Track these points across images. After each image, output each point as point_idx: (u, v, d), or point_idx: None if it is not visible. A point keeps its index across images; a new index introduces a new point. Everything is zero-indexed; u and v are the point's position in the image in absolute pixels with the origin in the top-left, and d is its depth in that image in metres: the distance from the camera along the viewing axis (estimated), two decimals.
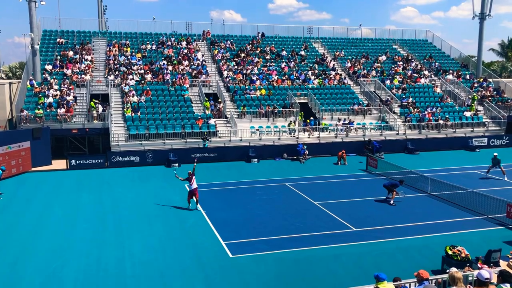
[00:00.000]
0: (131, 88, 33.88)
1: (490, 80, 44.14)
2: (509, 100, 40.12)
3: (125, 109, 31.79)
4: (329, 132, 33.71)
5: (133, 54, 39.06)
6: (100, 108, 31.40)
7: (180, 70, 37.62)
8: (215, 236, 15.85)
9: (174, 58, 39.45)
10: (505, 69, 67.02)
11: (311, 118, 34.68)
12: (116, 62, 37.33)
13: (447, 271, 8.53)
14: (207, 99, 34.48)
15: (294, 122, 33.50)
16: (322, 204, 19.74)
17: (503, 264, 8.86)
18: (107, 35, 42.77)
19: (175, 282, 12.35)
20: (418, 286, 8.23)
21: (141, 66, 37.44)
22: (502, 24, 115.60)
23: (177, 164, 28.06)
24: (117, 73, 35.77)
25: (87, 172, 26.69)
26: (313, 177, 25.10)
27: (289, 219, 17.72)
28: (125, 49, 39.54)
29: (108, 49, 39.62)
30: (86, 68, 35.98)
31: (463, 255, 12.44)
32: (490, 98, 39.78)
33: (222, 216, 18.16)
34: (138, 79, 35.49)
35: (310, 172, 26.29)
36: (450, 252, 12.60)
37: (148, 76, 36.18)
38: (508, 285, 7.16)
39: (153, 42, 41.68)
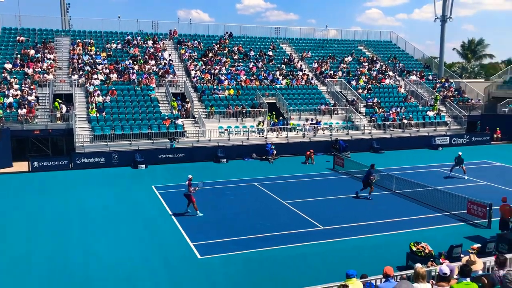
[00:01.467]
0: (96, 88, 33.18)
1: (452, 80, 45.58)
2: (469, 100, 41.53)
3: (89, 109, 31.11)
4: (297, 132, 33.99)
5: (98, 53, 38.28)
6: (64, 109, 30.60)
7: (146, 70, 37.12)
8: (183, 238, 15.70)
9: (140, 57, 38.89)
10: (466, 70, 69.32)
11: (280, 118, 34.90)
12: (80, 61, 36.48)
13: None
14: (174, 99, 34.15)
15: (263, 122, 33.61)
16: (290, 203, 19.88)
17: (464, 259, 9.14)
18: (71, 33, 41.74)
19: (142, 285, 12.16)
20: (384, 282, 8.39)
21: (106, 66, 36.73)
22: (462, 26, 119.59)
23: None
24: (81, 72, 34.95)
25: (51, 174, 25.96)
26: (282, 177, 25.25)
27: (258, 219, 17.75)
28: (89, 48, 38.69)
29: (71, 48, 38.65)
30: (49, 67, 34.99)
31: (426, 251, 12.77)
32: (451, 98, 41.07)
33: (190, 217, 18.02)
34: (103, 79, 34.80)
35: (278, 172, 26.44)
36: (414, 249, 12.92)
37: (114, 76, 35.53)
38: (468, 279, 7.40)
39: (118, 41, 40.97)
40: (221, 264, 13.50)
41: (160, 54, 40.08)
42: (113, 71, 36.11)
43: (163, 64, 38.47)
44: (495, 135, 37.67)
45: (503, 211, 15.30)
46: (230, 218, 17.89)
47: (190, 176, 18.16)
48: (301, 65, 43.26)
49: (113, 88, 33.57)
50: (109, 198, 20.86)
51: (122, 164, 27.89)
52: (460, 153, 24.75)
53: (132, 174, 26.24)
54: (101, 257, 14.00)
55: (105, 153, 28.14)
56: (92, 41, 39.98)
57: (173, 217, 17.99)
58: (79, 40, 39.62)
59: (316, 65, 43.22)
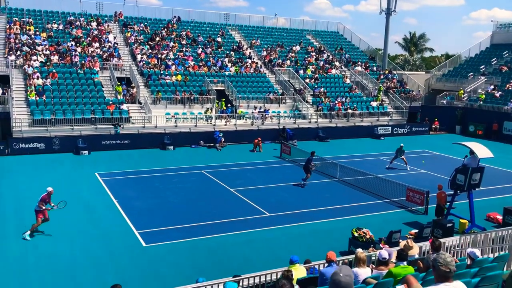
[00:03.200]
0: (35, 70, 31.49)
1: (395, 72, 47.25)
2: (410, 92, 43.28)
3: (28, 93, 29.53)
4: (246, 119, 34.04)
5: (37, 33, 36.28)
6: (0, 91, 28.87)
7: (89, 52, 35.67)
8: (127, 226, 15.38)
9: (83, 39, 37.29)
10: (408, 62, 72.14)
11: (228, 105, 34.79)
12: (17, 42, 34.44)
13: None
14: (119, 83, 33.11)
15: (211, 109, 33.37)
16: (237, 190, 19.96)
17: (401, 244, 9.58)
18: (7, 11, 39.20)
19: (84, 274, 11.83)
20: (327, 267, 8.63)
21: (47, 47, 34.93)
22: (405, 20, 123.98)
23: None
24: (18, 53, 33.03)
25: None
26: (230, 164, 25.27)
27: (205, 207, 17.70)
28: (27, 27, 36.59)
29: (8, 26, 36.35)
30: None
31: (367, 236, 13.28)
32: (394, 89, 42.61)
33: (135, 205, 17.66)
34: (43, 61, 33.09)
35: (226, 160, 26.42)
36: (356, 234, 13.39)
37: (55, 58, 33.86)
38: (405, 262, 7.77)
39: (60, 22, 39.03)
40: (166, 252, 13.37)
41: (104, 36, 38.61)
42: (54, 52, 34.40)
43: (107, 47, 37.11)
44: (433, 126, 39.54)
45: (439, 198, 16.15)
46: (177, 206, 17.72)
47: (50, 189, 14.74)
48: (250, 53, 43.21)
49: (54, 71, 32.01)
50: (49, 186, 19.93)
51: (63, 150, 26.79)
52: (402, 145, 25.43)
53: (74, 161, 25.30)
54: (40, 247, 13.45)
55: (45, 139, 26.90)
56: (31, 20, 37.82)
57: (117, 205, 17.55)
58: (16, 19, 37.33)
59: (265, 53, 43.34)
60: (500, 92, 38.99)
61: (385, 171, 23.80)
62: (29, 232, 14.14)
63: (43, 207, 14.41)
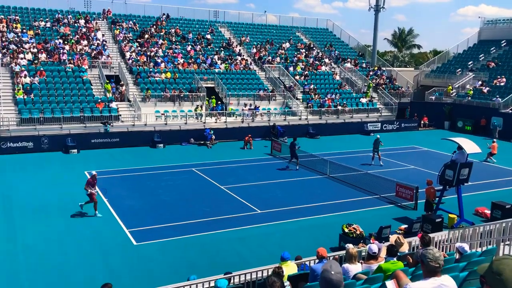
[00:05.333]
0: (23, 68, 31.17)
1: (384, 68, 47.52)
2: (400, 88, 43.56)
3: (16, 91, 29.23)
4: (236, 117, 34.03)
5: (24, 31, 35.88)
6: None
7: (78, 50, 35.38)
8: (118, 224, 15.32)
9: (71, 37, 36.95)
10: (397, 58, 72.54)
11: (218, 103, 34.73)
12: (4, 39, 34.04)
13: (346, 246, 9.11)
14: (108, 81, 32.90)
15: (201, 107, 33.28)
16: (228, 188, 19.96)
17: (392, 239, 9.66)
18: None
19: (75, 273, 11.77)
20: (318, 263, 8.67)
21: (34, 45, 34.57)
22: (394, 16, 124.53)
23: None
24: (5, 51, 32.66)
25: None
26: (220, 162, 25.24)
27: (196, 204, 17.68)
28: (14, 25, 36.17)
29: None
30: None
31: (358, 232, 13.37)
32: (383, 85, 42.86)
33: (126, 203, 17.59)
34: (31, 59, 32.75)
35: (217, 157, 26.39)
36: (346, 230, 13.47)
37: (42, 56, 33.54)
38: (395, 258, 7.84)
39: (47, 19, 38.64)
40: (157, 250, 13.34)
41: (93, 34, 38.31)
42: (42, 50, 34.07)
43: (96, 44, 36.83)
44: (422, 122, 39.85)
45: (428, 193, 16.30)
46: (167, 204, 17.68)
47: (94, 173, 16.65)
48: (239, 50, 43.15)
49: (42, 69, 31.69)
50: (39, 185, 19.85)
51: (52, 149, 26.58)
52: (378, 136, 24.88)
53: (63, 159, 25.10)
54: (30, 247, 13.35)
55: (34, 138, 26.65)
56: (17, 17, 37.39)
57: (107, 203, 17.46)
58: (2, 16, 36.87)
59: (254, 50, 43.30)
60: (488, 88, 39.39)
61: (375, 167, 23.95)
62: (96, 212, 15.89)
63: (89, 191, 15.81)
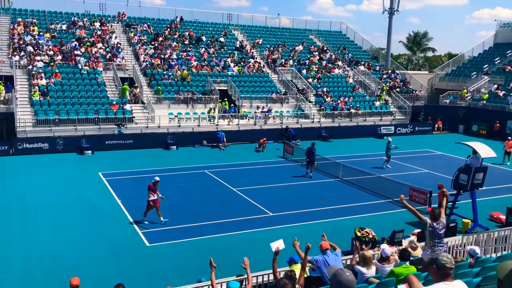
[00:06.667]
0: (40, 70, 31.64)
1: (398, 71, 47.20)
2: (414, 91, 43.22)
3: (32, 93, 29.68)
4: (248, 119, 34.09)
5: (41, 34, 36.43)
6: (4, 91, 29.01)
7: (93, 53, 35.79)
8: (131, 225, 15.45)
9: (86, 39, 37.41)
10: (411, 61, 71.99)
11: (231, 105, 34.85)
12: (21, 42, 34.59)
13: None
14: (126, 83, 33.22)
15: (214, 109, 33.42)
16: (240, 190, 20.00)
17: (404, 243, 9.61)
18: (11, 11, 39.38)
19: (88, 274, 11.88)
20: (322, 255, 8.69)
21: (50, 47, 35.07)
22: (408, 19, 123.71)
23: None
24: (22, 53, 33.18)
25: None
26: (232, 164, 25.31)
27: (208, 206, 17.75)
28: (31, 28, 36.75)
29: (11, 27, 36.53)
30: None
31: (370, 236, 13.27)
32: (397, 89, 42.56)
33: (138, 204, 17.67)
34: (47, 61, 33.22)
35: (229, 159, 26.47)
36: (359, 234, 13.38)
37: (58, 58, 34.00)
38: (407, 262, 7.80)
39: (63, 22, 39.18)
40: (170, 251, 13.43)
41: (107, 37, 38.74)
42: (58, 53, 34.55)
43: (111, 47, 37.23)
44: (436, 125, 39.47)
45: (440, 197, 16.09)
46: (180, 206, 17.78)
47: (157, 179, 15.92)
48: (252, 53, 43.25)
49: (57, 71, 32.12)
50: (54, 185, 20.11)
51: (67, 150, 26.92)
52: (390, 139, 24.94)
53: (77, 161, 25.41)
54: (44, 246, 13.53)
55: (49, 139, 27.03)
56: (34, 20, 37.98)
57: (120, 204, 17.64)
58: (20, 19, 37.50)
59: (267, 52, 43.35)
60: (503, 92, 38.88)
61: (388, 171, 23.78)
62: (161, 218, 15.48)
63: (152, 197, 15.37)
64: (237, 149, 29.81)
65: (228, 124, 32.94)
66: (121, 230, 15.06)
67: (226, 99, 34.93)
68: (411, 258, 8.21)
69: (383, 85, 42.24)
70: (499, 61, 44.66)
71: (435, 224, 8.91)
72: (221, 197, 19.12)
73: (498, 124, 35.50)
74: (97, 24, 40.13)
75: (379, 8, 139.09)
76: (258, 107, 34.90)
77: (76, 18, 40.13)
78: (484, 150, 15.32)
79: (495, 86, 40.37)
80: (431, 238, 8.89)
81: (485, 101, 38.73)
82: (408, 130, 37.89)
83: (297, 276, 7.71)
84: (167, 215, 16.56)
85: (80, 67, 33.26)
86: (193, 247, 13.75)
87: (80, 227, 15.17)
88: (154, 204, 15.50)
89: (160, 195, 15.66)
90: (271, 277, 9.43)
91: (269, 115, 34.50)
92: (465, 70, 45.95)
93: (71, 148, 27.07)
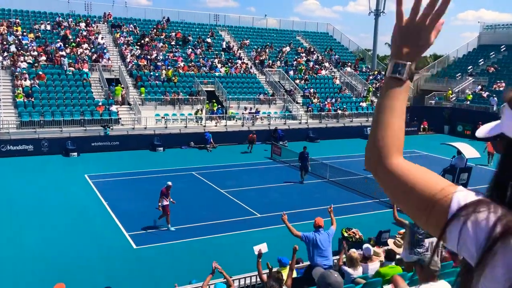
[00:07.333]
0: (23, 71, 31.23)
1: (384, 73, 47.50)
2: None
3: (16, 94, 29.28)
4: (236, 120, 34.07)
5: (25, 34, 35.97)
6: None
7: (78, 53, 35.45)
8: (118, 228, 15.35)
9: (72, 40, 37.04)
10: None
11: (219, 106, 34.80)
12: (4, 42, 34.11)
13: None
14: (120, 85, 32.97)
15: (201, 110, 33.33)
16: (228, 192, 19.99)
17: (390, 243, 9.69)
18: None
19: (76, 276, 11.77)
20: (314, 231, 8.85)
21: (34, 48, 34.65)
22: (394, 20, 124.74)
23: (75, 153, 26.51)
24: (5, 54, 32.72)
25: None
26: (220, 166, 25.27)
27: (195, 208, 17.70)
28: (15, 28, 36.26)
29: None
30: None
31: (357, 236, 13.37)
32: None
33: (125, 207, 17.61)
34: (31, 62, 32.81)
35: (217, 161, 26.42)
36: (346, 234, 13.47)
37: (43, 59, 33.60)
38: (393, 262, 7.88)
39: (48, 22, 38.74)
40: (158, 254, 13.37)
41: (93, 37, 38.40)
42: (42, 53, 34.15)
43: (96, 48, 36.91)
44: (422, 126, 39.88)
45: None
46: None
47: (169, 184, 15.47)
48: (240, 54, 43.24)
49: (41, 72, 31.70)
50: (39, 188, 19.87)
51: (52, 152, 26.60)
52: None
53: (63, 163, 25.15)
54: (31, 250, 13.37)
55: (34, 140, 26.70)
56: (18, 20, 37.49)
57: (107, 207, 17.50)
58: (3, 19, 37.00)
59: (254, 53, 43.38)
60: (487, 93, 39.47)
61: None
62: (169, 225, 15.08)
63: (166, 202, 14.90)
64: (224, 150, 29.78)
65: (216, 125, 32.88)
66: (108, 232, 14.94)
67: (213, 100, 34.87)
68: (397, 257, 8.30)
69: (370, 86, 42.57)
70: (483, 62, 45.34)
71: (415, 228, 9.11)
72: (209, 198, 19.08)
73: (481, 125, 35.90)
74: (83, 25, 39.75)
75: (365, 9, 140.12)
76: (245, 108, 34.90)
77: (60, 19, 39.72)
78: (469, 150, 15.56)
79: (479, 87, 40.97)
80: (410, 241, 9.04)
81: (469, 102, 39.26)
82: None
83: (285, 278, 7.73)
84: (155, 216, 16.47)
85: (65, 68, 32.92)
86: (181, 249, 13.71)
87: (67, 230, 15.01)
88: (165, 209, 15.00)
89: (171, 200, 15.26)
90: (259, 278, 9.43)
91: (257, 116, 34.51)
92: (450, 71, 46.54)
93: (56, 150, 26.77)
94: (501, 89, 39.42)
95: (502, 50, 45.76)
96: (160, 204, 14.93)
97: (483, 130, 1.14)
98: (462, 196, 1.01)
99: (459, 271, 1.08)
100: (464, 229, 0.95)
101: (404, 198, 1.12)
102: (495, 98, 36.91)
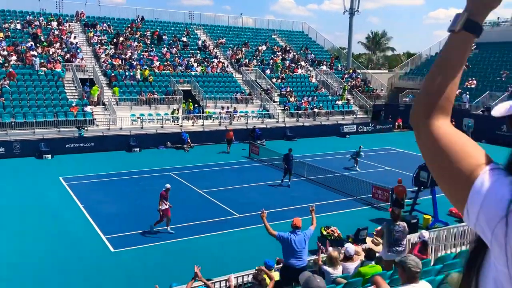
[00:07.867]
0: None
1: (359, 71, 48.16)
2: (374, 90, 44.22)
3: None
4: (213, 120, 33.93)
5: None
6: None
7: (50, 53, 34.68)
8: (94, 231, 15.09)
9: (43, 39, 36.19)
10: (371, 61, 73.63)
11: (195, 106, 34.58)
12: None
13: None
14: (96, 85, 32.37)
15: (178, 110, 33.06)
16: (206, 192, 19.90)
17: (369, 242, 9.83)
18: None
19: (51, 282, 11.53)
20: (290, 232, 8.87)
21: (4, 47, 33.72)
22: (368, 19, 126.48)
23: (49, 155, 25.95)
24: None
25: None
26: (198, 166, 25.13)
27: (174, 209, 17.50)
28: None
29: None
30: None
31: (336, 234, 13.53)
32: (358, 88, 43.43)
33: (102, 209, 17.33)
34: (1, 62, 31.91)
35: (194, 161, 26.27)
36: (324, 233, 13.61)
37: (13, 58, 32.73)
38: (373, 262, 7.98)
39: (18, 21, 37.75)
40: (136, 256, 13.21)
41: (65, 36, 37.62)
42: (12, 53, 33.26)
43: (69, 47, 36.18)
44: (397, 123, 40.52)
45: (397, 192, 16.57)
46: (145, 210, 17.45)
47: (168, 186, 15.05)
48: (216, 53, 43.07)
49: (11, 70, 30.83)
50: (11, 191, 19.36)
51: (25, 155, 25.94)
52: (361, 146, 25.40)
53: (36, 165, 24.57)
54: (5, 256, 13.01)
55: (5, 143, 25.97)
56: None
57: (83, 209, 17.18)
58: None
59: (231, 52, 43.27)
60: (459, 90, 40.36)
61: (351, 169, 24.22)
62: (168, 227, 14.82)
63: (165, 206, 14.61)
64: (202, 150, 29.61)
65: (193, 125, 32.67)
66: (85, 236, 14.69)
67: (189, 99, 34.62)
68: (377, 255, 8.42)
69: (345, 84, 43.01)
70: None
71: (392, 226, 9.31)
72: (187, 199, 18.95)
73: (453, 122, 36.41)
74: (54, 24, 38.89)
75: (340, 8, 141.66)
76: (222, 108, 34.79)
77: (31, 17, 38.76)
78: None
79: None
80: (388, 239, 9.23)
81: None
82: (370, 129, 38.72)
83: (268, 281, 7.74)
84: (132, 219, 16.30)
85: (37, 68, 32.16)
86: (160, 252, 13.58)
87: (42, 235, 14.68)
88: (164, 214, 14.67)
89: (168, 204, 14.86)
90: (239, 280, 9.43)
91: (234, 115, 34.45)
92: (423, 69, 47.39)
93: (29, 152, 26.12)
94: (472, 86, 40.40)
95: (473, 48, 46.83)
96: (160, 207, 14.63)
97: (499, 109, 1.15)
98: (487, 177, 1.01)
99: (469, 251, 1.09)
100: (483, 206, 0.96)
101: (435, 162, 1.12)
102: (467, 95, 37.80)
